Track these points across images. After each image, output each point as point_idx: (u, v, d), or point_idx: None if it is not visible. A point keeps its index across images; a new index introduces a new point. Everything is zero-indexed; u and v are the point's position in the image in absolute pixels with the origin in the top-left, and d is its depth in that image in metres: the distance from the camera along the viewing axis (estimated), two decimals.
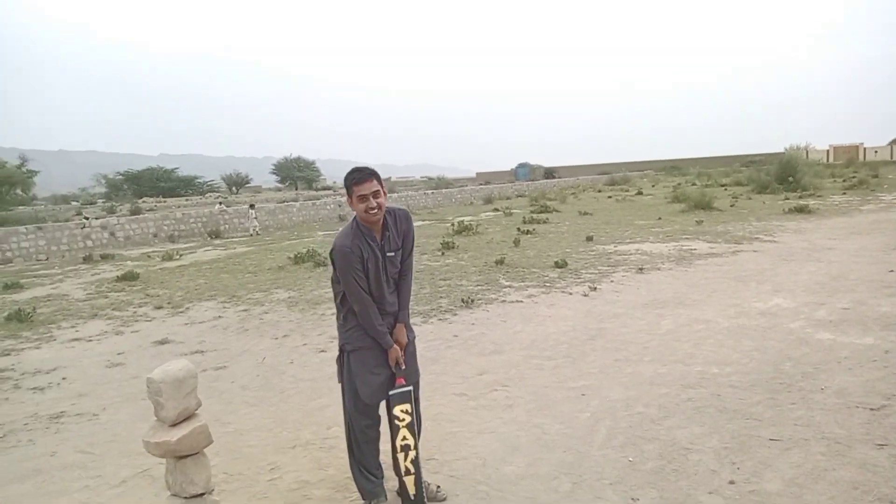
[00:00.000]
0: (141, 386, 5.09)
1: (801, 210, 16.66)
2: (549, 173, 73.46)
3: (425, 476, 3.38)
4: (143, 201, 54.98)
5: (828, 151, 66.33)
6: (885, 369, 4.71)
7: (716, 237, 12.83)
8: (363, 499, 3.28)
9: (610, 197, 29.83)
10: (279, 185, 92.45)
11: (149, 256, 16.34)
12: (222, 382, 5.47)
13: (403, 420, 3.21)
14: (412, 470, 3.20)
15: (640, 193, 31.13)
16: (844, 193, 22.87)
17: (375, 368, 3.22)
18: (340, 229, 3.25)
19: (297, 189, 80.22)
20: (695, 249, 11.35)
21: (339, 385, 3.35)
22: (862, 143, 68.67)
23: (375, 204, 3.02)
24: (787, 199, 21.10)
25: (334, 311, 3.41)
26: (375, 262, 3.13)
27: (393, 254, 3.21)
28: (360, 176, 3.04)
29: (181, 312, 8.53)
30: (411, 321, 3.50)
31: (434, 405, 4.63)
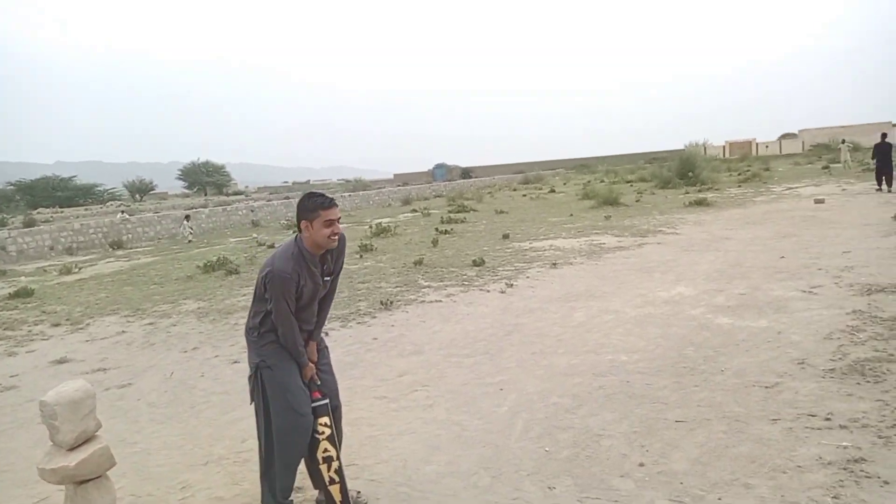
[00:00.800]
0: (38, 409, 4.73)
1: (700, 203, 17.67)
2: (466, 173, 74.44)
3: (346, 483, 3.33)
4: (38, 212, 51.32)
5: (724, 147, 70.74)
6: (778, 349, 5.06)
7: (623, 231, 13.39)
8: None
9: (525, 195, 30.54)
10: (186, 191, 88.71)
11: (45, 271, 15.26)
12: (127, 401, 5.18)
13: (323, 433, 3.14)
14: (336, 479, 3.12)
15: (552, 191, 32.04)
16: (740, 186, 24.42)
17: (299, 380, 3.13)
18: (277, 249, 3.12)
19: (206, 195, 77.23)
20: (604, 244, 11.80)
21: (252, 406, 3.22)
22: (755, 139, 73.70)
23: (338, 230, 3.02)
24: (688, 193, 22.31)
25: (246, 324, 3.29)
26: (313, 288, 3.07)
27: (329, 278, 3.18)
28: (328, 201, 2.99)
29: (81, 329, 8.01)
30: (329, 326, 3.44)
31: (354, 410, 4.57)
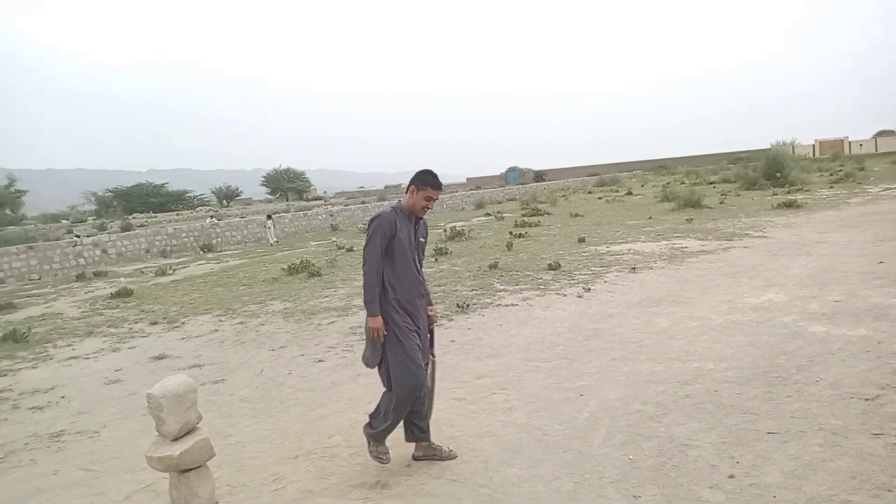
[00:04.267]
0: (140, 402, 5.09)
1: (789, 205, 16.81)
2: (539, 176, 73.75)
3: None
4: (134, 217, 54.76)
5: (813, 146, 66.95)
6: (879, 359, 4.77)
7: (706, 234, 12.93)
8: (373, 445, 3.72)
9: (600, 198, 29.97)
10: (269, 197, 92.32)
11: (142, 272, 16.28)
12: (221, 395, 5.47)
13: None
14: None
15: (629, 193, 31.29)
16: (832, 187, 23.06)
17: (414, 336, 3.71)
18: (382, 208, 3.79)
19: (287, 200, 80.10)
20: (686, 247, 11.44)
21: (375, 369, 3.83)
22: (847, 137, 69.37)
23: (431, 206, 3.75)
24: (776, 194, 21.27)
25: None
26: (408, 236, 3.68)
27: (423, 240, 3.85)
28: (438, 183, 3.72)
29: (177, 327, 8.52)
30: None
31: (434, 411, 4.64)
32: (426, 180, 3.66)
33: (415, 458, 3.85)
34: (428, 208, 3.72)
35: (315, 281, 11.27)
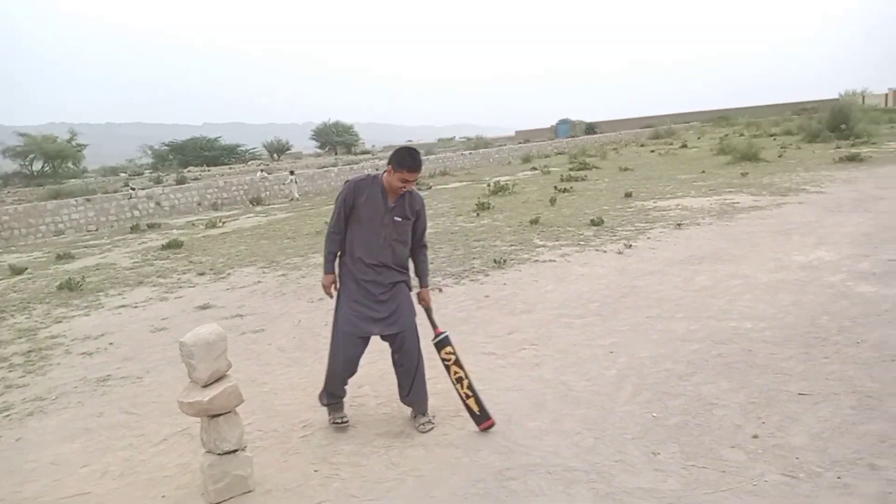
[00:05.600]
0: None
1: (852, 158, 15.91)
2: (591, 129, 71.84)
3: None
4: (189, 171, 56.20)
5: (886, 95, 62.82)
6: None
7: (760, 189, 12.42)
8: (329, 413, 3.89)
9: (653, 151, 29.04)
10: (319, 151, 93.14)
11: (193, 225, 16.81)
12: (260, 345, 5.66)
13: (449, 359, 3.76)
14: (471, 394, 3.69)
15: (684, 146, 30.20)
16: None
17: (354, 303, 3.70)
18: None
19: (336, 154, 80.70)
20: (737, 203, 11.03)
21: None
22: None
23: (409, 187, 3.65)
24: (839, 147, 20.17)
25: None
26: (375, 211, 3.62)
27: (400, 219, 3.68)
28: (414, 166, 3.56)
29: (223, 278, 8.80)
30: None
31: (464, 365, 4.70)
32: (402, 162, 3.52)
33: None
34: (406, 189, 3.62)
35: None
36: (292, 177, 23.41)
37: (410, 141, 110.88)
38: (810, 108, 46.10)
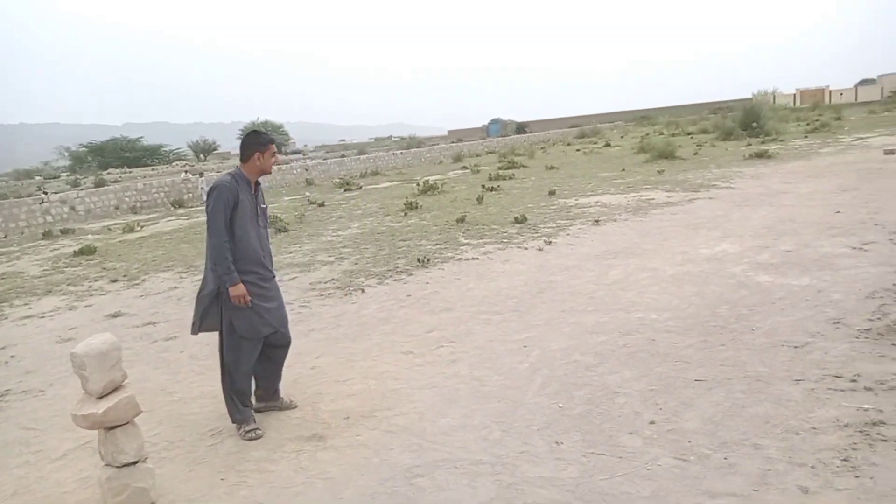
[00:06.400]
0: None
1: (760, 155, 16.86)
2: (521, 128, 73.05)
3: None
4: (108, 173, 53.64)
5: (794, 96, 66.78)
6: (815, 308, 4.87)
7: (675, 186, 12.98)
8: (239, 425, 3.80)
9: (578, 150, 29.86)
10: None
11: (109, 229, 16.07)
12: (172, 353, 5.48)
13: None
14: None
15: (608, 145, 31.19)
16: (806, 137, 23.13)
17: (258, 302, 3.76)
18: (219, 177, 3.84)
19: None
20: (653, 199, 11.48)
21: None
22: (828, 87, 69.22)
23: (278, 161, 3.89)
24: (750, 144, 21.29)
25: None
26: (250, 205, 3.73)
27: (265, 206, 3.92)
28: (271, 138, 3.87)
29: (137, 284, 8.47)
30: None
31: (380, 364, 4.72)
32: (266, 140, 3.77)
33: (256, 411, 3.97)
34: (277, 163, 3.93)
35: (282, 237, 11.19)
36: (201, 178, 22.74)
37: (343, 140, 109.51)
38: (725, 108, 48.38)
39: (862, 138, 20.39)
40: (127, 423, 3.12)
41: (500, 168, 21.70)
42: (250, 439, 3.70)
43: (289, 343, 4.08)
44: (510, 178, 18.39)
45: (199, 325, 3.85)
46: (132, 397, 3.10)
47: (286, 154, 70.44)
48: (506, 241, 8.93)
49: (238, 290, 3.62)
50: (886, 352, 3.90)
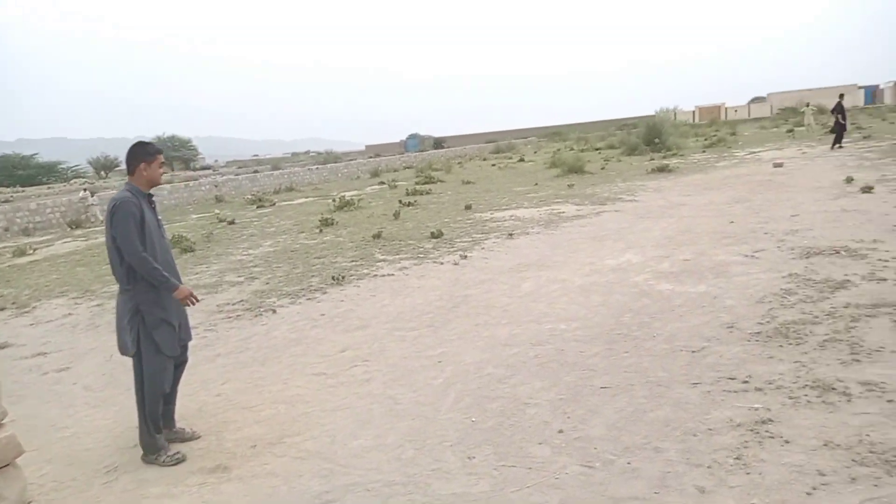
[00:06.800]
0: None
1: (662, 169, 17.79)
2: (439, 143, 73.93)
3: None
4: None
5: (694, 112, 71.15)
6: (711, 314, 5.16)
7: (584, 200, 13.45)
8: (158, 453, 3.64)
9: (494, 165, 30.45)
10: None
11: None
12: (64, 385, 5.12)
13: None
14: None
15: (522, 160, 31.99)
16: (704, 151, 24.62)
17: (169, 324, 3.69)
18: (116, 194, 3.64)
19: (172, 170, 75.71)
20: (563, 212, 11.85)
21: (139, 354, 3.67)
22: (724, 104, 74.22)
23: (165, 171, 3.85)
24: (653, 159, 22.44)
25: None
26: (153, 217, 3.67)
27: (161, 218, 3.81)
28: (159, 148, 3.82)
29: (27, 312, 7.87)
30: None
31: (290, 387, 4.59)
32: (151, 150, 3.73)
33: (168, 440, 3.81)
34: (165, 172, 3.90)
35: (187, 257, 10.73)
36: (92, 196, 21.52)
37: (257, 155, 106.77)
38: (631, 124, 50.85)
39: (754, 152, 21.93)
40: (7, 465, 2.87)
41: (417, 183, 21.79)
42: (177, 462, 3.58)
43: (187, 360, 4.03)
44: (427, 192, 18.49)
45: (130, 345, 3.62)
46: (13, 436, 2.85)
47: (195, 170, 67.87)
48: (422, 256, 8.95)
49: (182, 291, 3.68)
50: (774, 353, 4.17)
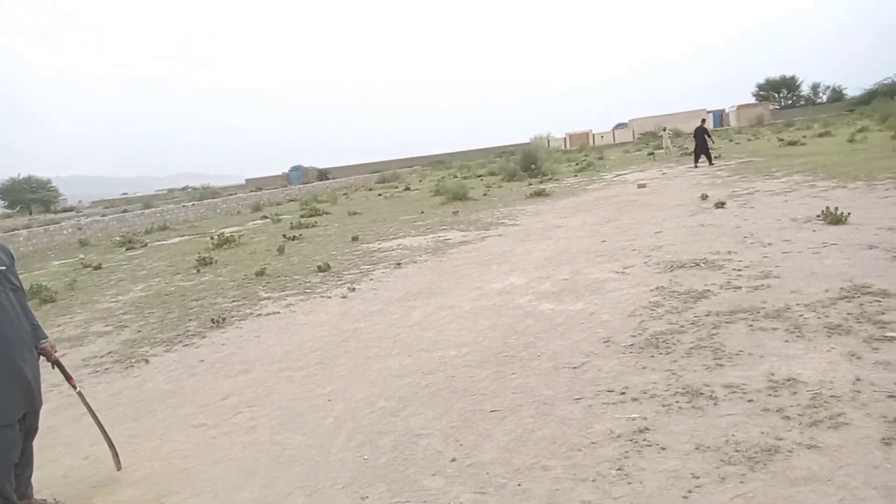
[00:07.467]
0: None
1: (539, 194, 18.62)
2: (323, 175, 73.09)
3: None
4: None
5: (565, 139, 75.32)
6: (589, 330, 5.41)
7: (469, 226, 13.77)
8: None
9: (380, 195, 30.51)
10: (7, 211, 79.07)
11: None
12: None
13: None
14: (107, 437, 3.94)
15: (407, 189, 32.30)
16: (576, 175, 26.07)
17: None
18: None
19: (31, 214, 69.35)
20: (449, 239, 12.05)
21: None
22: (591, 130, 79.17)
23: None
24: (531, 184, 23.44)
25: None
26: None
27: (5, 268, 3.39)
28: None
29: None
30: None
31: (167, 442, 4.28)
32: None
33: None
34: None
35: (47, 308, 9.81)
36: None
37: (125, 194, 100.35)
38: (509, 152, 52.94)
39: (620, 174, 23.50)
40: None
41: (302, 216, 21.36)
42: None
43: (37, 428, 3.60)
44: (313, 225, 18.17)
45: None
46: None
47: (56, 213, 62.70)
48: (309, 290, 8.74)
49: (49, 346, 3.64)
50: (647, 363, 4.43)
